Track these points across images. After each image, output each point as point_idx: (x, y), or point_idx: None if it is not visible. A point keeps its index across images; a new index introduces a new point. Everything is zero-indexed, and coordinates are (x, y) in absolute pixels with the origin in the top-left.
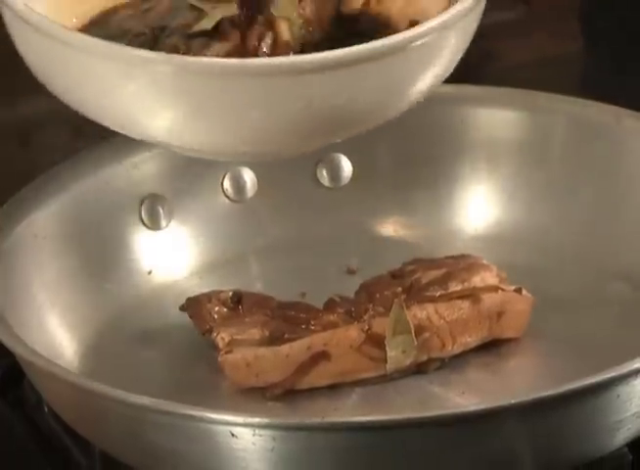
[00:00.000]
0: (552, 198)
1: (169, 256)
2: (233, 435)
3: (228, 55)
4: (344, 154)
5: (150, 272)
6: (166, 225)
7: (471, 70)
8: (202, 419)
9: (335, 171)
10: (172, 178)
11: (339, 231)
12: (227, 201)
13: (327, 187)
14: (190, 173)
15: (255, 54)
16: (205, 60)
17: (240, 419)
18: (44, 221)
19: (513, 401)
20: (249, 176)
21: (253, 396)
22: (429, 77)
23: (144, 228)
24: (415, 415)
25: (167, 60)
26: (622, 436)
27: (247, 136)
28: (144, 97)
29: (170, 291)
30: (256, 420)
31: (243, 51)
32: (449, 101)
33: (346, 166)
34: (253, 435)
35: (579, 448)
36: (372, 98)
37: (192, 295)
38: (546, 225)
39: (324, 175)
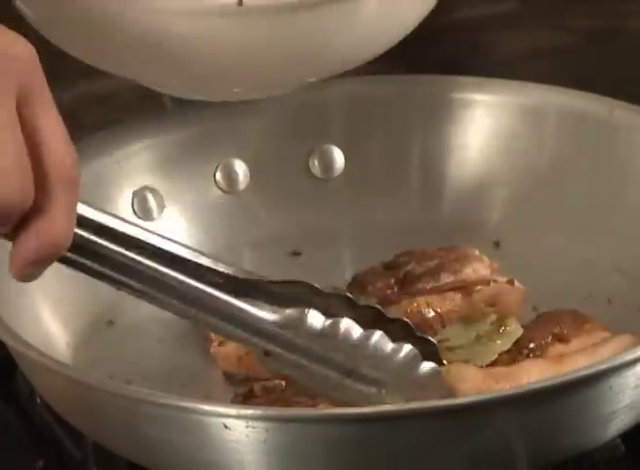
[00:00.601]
0: (544, 189)
1: None
2: (226, 427)
3: None
4: (337, 145)
5: None
6: (159, 217)
7: (463, 62)
8: (194, 411)
9: (327, 163)
10: (165, 170)
11: (331, 222)
12: (219, 192)
13: (319, 178)
14: (182, 165)
15: None
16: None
17: (233, 411)
18: None
19: (506, 393)
20: (241, 168)
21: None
22: (396, 23)
23: (136, 220)
24: (408, 406)
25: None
26: (615, 427)
27: (230, 74)
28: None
29: None
30: (249, 412)
31: None
32: (441, 92)
33: (339, 158)
34: (246, 426)
35: (572, 440)
36: (348, 37)
37: None
38: (539, 215)
39: (316, 166)
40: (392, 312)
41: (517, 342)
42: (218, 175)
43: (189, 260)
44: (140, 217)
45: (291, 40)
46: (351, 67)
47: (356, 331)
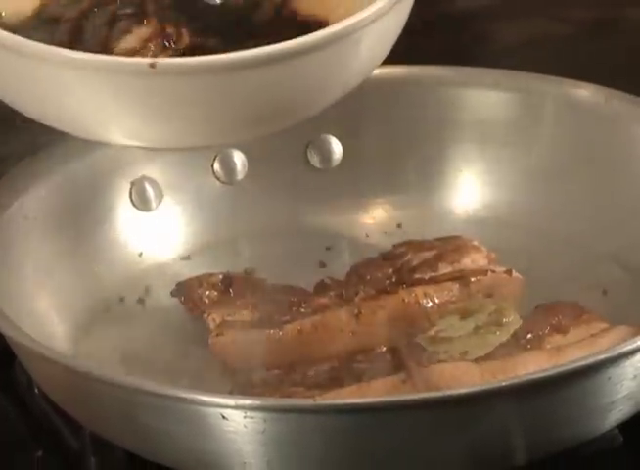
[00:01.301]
0: (542, 179)
1: (160, 237)
2: (224, 417)
3: (148, 40)
4: (335, 135)
5: (140, 254)
6: (157, 207)
7: (462, 51)
8: (192, 401)
9: (325, 153)
10: (163, 160)
11: (329, 213)
12: (218, 183)
13: (317, 169)
14: (180, 155)
15: (180, 37)
16: (108, 59)
17: (231, 401)
18: (34, 203)
19: (504, 384)
20: (239, 158)
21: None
22: (358, 67)
23: (135, 210)
24: (405, 397)
25: (92, 61)
26: (614, 418)
27: (185, 132)
28: (77, 99)
29: (161, 272)
30: (247, 402)
31: (163, 35)
32: (440, 82)
33: (337, 148)
34: (244, 417)
35: (571, 430)
36: (304, 89)
37: (183, 277)
38: (536, 206)
39: (314, 157)
40: (390, 303)
41: (514, 333)
42: (216, 166)
43: None
44: (138, 207)
45: (213, 100)
46: (290, 123)
47: None
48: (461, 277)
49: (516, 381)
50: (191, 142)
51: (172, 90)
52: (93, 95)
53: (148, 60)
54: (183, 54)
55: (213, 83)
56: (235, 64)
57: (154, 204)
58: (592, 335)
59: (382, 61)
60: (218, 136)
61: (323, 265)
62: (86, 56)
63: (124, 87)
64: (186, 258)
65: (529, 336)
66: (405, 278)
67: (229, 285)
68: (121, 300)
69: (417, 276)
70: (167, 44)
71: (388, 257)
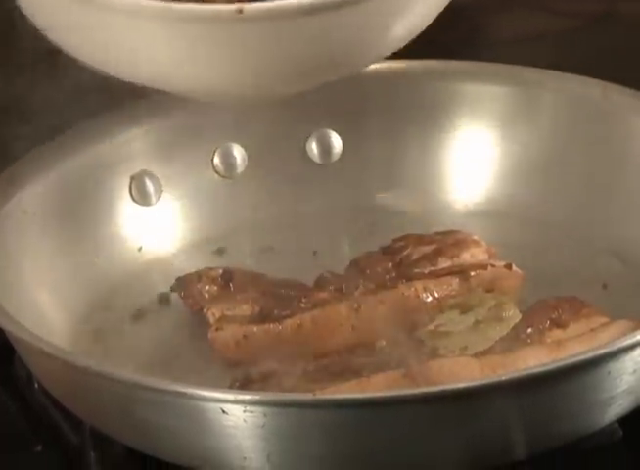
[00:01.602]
0: (541, 173)
1: (160, 232)
2: (224, 412)
3: None
4: (335, 130)
5: (140, 249)
6: (157, 202)
7: (460, 45)
8: (192, 396)
9: (325, 147)
10: (163, 154)
11: (329, 207)
12: (217, 177)
13: (317, 163)
14: (180, 149)
15: None
16: (194, 7)
17: (230, 396)
18: (34, 198)
19: (504, 378)
20: (239, 152)
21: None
22: (404, 24)
23: (134, 204)
24: (405, 392)
25: (159, 8)
26: (614, 412)
27: (239, 79)
28: (143, 44)
29: (161, 267)
30: (247, 397)
31: None
32: (438, 76)
33: (336, 143)
34: (244, 411)
35: (571, 425)
36: (355, 40)
37: (182, 271)
38: (536, 200)
39: (314, 151)
40: (390, 298)
41: (514, 327)
42: (216, 160)
43: None
44: (138, 202)
45: (292, 47)
46: (358, 70)
47: None
48: (461, 271)
49: (515, 375)
50: (249, 91)
51: (253, 36)
52: (174, 44)
53: (235, 6)
54: None
55: (292, 28)
56: (320, 5)
57: (153, 198)
58: (592, 329)
59: (424, 27)
60: (273, 84)
61: (320, 256)
62: (171, 5)
63: (207, 35)
64: (186, 252)
65: (529, 330)
66: (405, 272)
67: (229, 280)
68: (121, 294)
69: (417, 270)
70: None
71: (387, 251)
